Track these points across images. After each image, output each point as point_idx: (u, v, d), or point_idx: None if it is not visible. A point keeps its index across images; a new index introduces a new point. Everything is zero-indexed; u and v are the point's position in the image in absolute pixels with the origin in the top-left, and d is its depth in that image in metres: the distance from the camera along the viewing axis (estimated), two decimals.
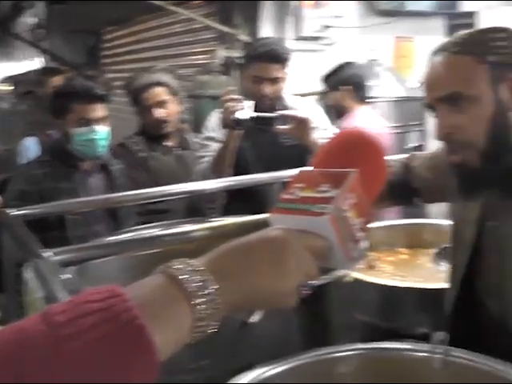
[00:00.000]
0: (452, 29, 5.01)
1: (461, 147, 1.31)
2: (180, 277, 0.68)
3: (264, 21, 4.15)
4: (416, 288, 1.79)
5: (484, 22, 4.96)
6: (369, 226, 0.92)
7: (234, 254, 0.76)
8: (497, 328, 1.42)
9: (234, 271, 0.74)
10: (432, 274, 2.06)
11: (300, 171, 0.96)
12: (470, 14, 5.02)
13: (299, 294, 0.79)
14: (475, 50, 1.29)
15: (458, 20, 5.00)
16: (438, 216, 3.13)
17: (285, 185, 2.47)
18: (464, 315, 1.50)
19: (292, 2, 4.15)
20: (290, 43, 4.19)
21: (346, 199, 0.87)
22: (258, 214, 1.86)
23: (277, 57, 2.66)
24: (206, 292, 0.69)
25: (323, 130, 2.75)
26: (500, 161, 1.31)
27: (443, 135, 1.31)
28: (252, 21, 4.02)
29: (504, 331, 1.39)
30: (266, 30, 4.09)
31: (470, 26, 4.99)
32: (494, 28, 1.32)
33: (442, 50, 1.34)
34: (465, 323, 1.50)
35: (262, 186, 2.60)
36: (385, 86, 4.00)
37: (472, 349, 1.35)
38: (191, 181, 2.45)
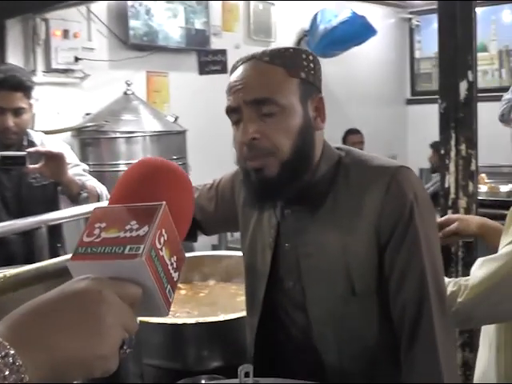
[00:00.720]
0: (203, 65, 5.13)
1: (263, 154, 1.29)
2: None
3: (11, 51, 3.84)
4: (205, 322, 1.72)
5: (232, 59, 5.16)
6: (181, 264, 0.81)
7: (36, 318, 0.61)
8: (302, 346, 1.41)
9: (39, 339, 0.59)
10: (216, 306, 2.02)
11: (96, 208, 0.81)
12: (220, 52, 5.18)
13: (121, 354, 0.66)
14: (287, 63, 1.31)
15: (209, 57, 5.14)
16: (202, 248, 3.16)
17: (51, 229, 2.27)
18: (268, 340, 1.47)
19: (41, 32, 3.89)
20: (40, 76, 3.96)
21: (159, 236, 0.75)
22: (27, 263, 1.65)
23: (18, 84, 2.38)
24: (7, 372, 0.54)
25: (76, 166, 2.59)
26: (299, 175, 1.32)
27: (248, 140, 1.28)
28: None
29: (309, 347, 1.38)
30: (14, 60, 3.78)
31: (220, 62, 5.17)
32: (303, 50, 1.37)
33: (251, 58, 1.33)
34: (270, 348, 1.48)
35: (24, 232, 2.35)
36: (142, 121, 3.93)
37: (280, 372, 1.37)
38: None
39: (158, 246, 0.74)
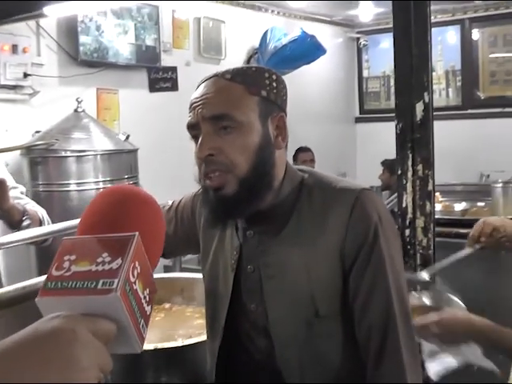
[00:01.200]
0: (153, 82, 5.09)
1: (220, 171, 1.28)
2: None
3: None
4: (164, 348, 1.68)
5: (182, 76, 5.15)
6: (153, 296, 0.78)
7: (6, 363, 0.57)
8: (265, 370, 1.39)
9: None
10: (174, 330, 1.98)
11: (65, 239, 0.77)
12: (170, 69, 5.15)
13: None
14: (247, 81, 1.31)
15: (159, 74, 5.10)
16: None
17: None
18: (230, 365, 1.45)
19: None
20: None
21: (133, 269, 0.72)
22: None
23: None
24: None
25: (14, 189, 2.48)
26: (258, 193, 1.31)
27: (205, 157, 1.28)
28: None
29: (272, 371, 1.36)
30: None
31: (171, 80, 5.14)
32: (266, 69, 1.37)
33: (214, 76, 1.33)
34: (232, 373, 1.45)
35: None
36: (93, 139, 3.85)
37: None
38: None
39: (132, 280, 0.71)
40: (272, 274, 1.35)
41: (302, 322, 1.32)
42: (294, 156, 5.79)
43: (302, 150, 5.84)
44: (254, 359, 1.41)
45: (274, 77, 1.35)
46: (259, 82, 1.32)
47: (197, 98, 1.32)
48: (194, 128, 1.32)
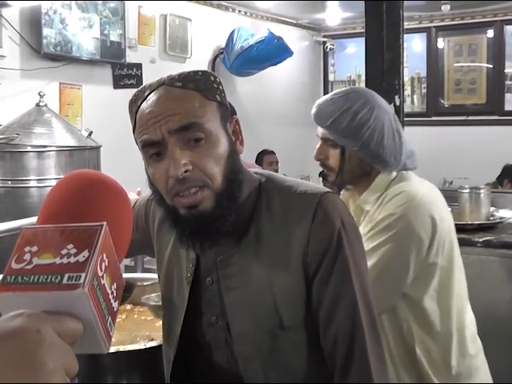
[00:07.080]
0: (118, 78, 5.02)
1: (196, 187, 1.18)
2: None
3: None
4: (126, 351, 1.62)
5: (147, 73, 5.08)
6: (120, 292, 0.74)
7: None
8: (227, 379, 1.33)
9: None
10: (135, 332, 1.93)
11: (24, 229, 0.71)
12: (135, 66, 5.09)
13: None
14: (200, 87, 1.21)
15: (124, 70, 5.03)
16: None
17: None
18: (188, 373, 1.39)
19: None
20: None
21: (101, 262, 0.67)
22: None
23: None
24: None
25: None
26: (233, 205, 1.23)
27: (180, 174, 1.16)
28: None
29: (234, 380, 1.31)
30: None
31: (136, 76, 5.07)
32: (209, 72, 1.28)
33: (160, 85, 1.22)
34: (189, 381, 1.39)
35: None
36: (54, 135, 3.76)
37: None
38: None
39: (100, 274, 0.67)
40: (233, 286, 1.28)
41: (266, 334, 1.26)
42: (257, 158, 5.76)
43: (267, 153, 5.82)
44: (214, 370, 1.35)
45: (218, 80, 1.27)
46: (211, 87, 1.24)
47: (153, 112, 1.19)
48: (155, 146, 1.19)
